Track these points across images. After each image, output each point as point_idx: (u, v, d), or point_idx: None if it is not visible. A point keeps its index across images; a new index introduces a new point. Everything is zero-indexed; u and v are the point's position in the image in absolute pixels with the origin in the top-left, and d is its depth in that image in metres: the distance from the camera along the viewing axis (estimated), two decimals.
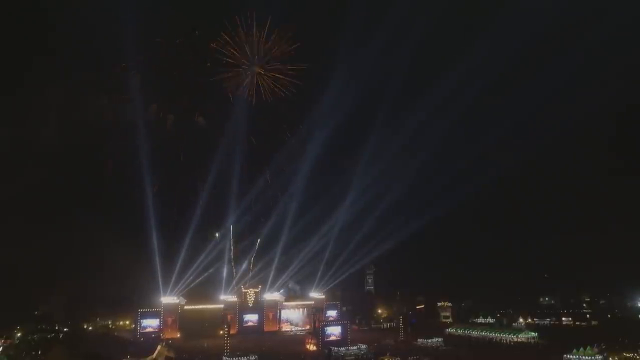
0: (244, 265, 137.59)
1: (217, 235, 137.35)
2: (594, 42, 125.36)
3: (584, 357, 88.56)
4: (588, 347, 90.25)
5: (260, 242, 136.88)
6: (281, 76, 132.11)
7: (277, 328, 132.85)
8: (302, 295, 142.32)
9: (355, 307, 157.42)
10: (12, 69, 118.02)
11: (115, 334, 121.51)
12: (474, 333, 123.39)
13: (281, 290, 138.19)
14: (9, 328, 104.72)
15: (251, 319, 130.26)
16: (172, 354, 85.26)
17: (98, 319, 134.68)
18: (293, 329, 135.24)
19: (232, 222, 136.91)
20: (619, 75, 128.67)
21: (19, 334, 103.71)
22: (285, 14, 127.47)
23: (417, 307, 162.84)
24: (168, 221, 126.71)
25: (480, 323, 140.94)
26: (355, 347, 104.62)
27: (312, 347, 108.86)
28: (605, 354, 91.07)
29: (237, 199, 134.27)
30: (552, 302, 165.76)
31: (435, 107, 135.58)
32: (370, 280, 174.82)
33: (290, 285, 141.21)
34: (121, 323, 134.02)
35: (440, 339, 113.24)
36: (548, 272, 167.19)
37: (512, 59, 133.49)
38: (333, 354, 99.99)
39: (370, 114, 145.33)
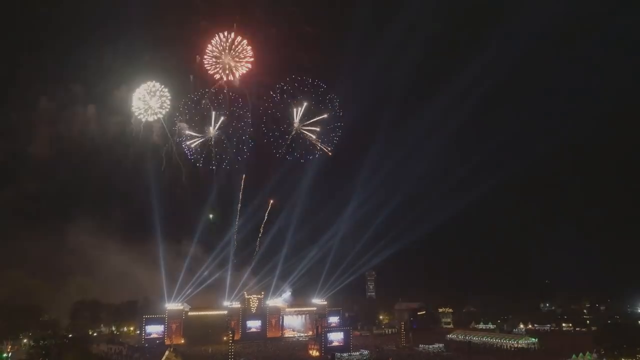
0: (247, 272, 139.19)
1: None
2: (595, 43, 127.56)
3: None
4: (587, 353, 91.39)
5: (263, 249, 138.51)
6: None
7: (280, 334, 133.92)
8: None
9: (357, 313, 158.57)
10: (11, 71, 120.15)
11: (121, 340, 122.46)
12: (475, 339, 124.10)
13: (283, 297, 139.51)
14: (14, 334, 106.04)
15: (254, 325, 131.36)
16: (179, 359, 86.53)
17: (102, 325, 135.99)
18: (296, 335, 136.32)
19: (235, 230, 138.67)
20: (619, 77, 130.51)
21: (24, 340, 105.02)
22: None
23: (419, 313, 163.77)
24: (173, 228, 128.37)
25: (481, 329, 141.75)
26: (357, 353, 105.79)
27: (315, 353, 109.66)
28: None
29: (241, 207, 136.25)
30: (553, 308, 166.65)
31: (435, 115, 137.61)
32: (371, 287, 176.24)
33: (290, 293, 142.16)
34: (126, 329, 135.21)
35: (441, 345, 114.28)
36: (549, 277, 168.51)
37: (512, 65, 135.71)
38: (336, 359, 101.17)
39: (374, 122, 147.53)
